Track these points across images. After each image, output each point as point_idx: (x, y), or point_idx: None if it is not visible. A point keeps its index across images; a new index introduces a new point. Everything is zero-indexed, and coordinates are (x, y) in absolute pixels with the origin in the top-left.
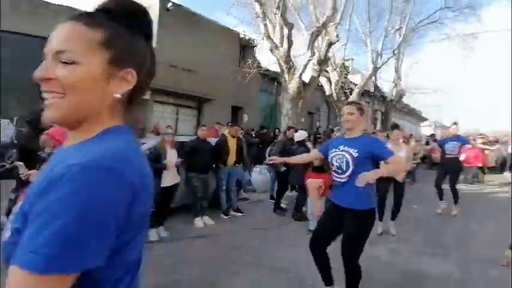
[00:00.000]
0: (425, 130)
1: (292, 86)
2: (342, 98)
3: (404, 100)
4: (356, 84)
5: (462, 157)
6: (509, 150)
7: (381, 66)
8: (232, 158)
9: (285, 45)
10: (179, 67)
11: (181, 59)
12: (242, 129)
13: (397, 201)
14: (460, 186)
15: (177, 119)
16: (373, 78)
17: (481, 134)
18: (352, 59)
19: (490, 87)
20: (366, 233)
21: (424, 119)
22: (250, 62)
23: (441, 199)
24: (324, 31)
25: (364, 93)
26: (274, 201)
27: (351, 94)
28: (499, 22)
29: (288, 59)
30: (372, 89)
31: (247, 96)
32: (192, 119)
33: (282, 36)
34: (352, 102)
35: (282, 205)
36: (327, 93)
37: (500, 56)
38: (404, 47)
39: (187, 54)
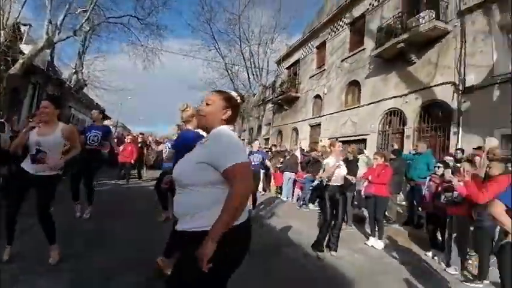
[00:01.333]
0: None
1: None
2: (1, 67)
3: (86, 91)
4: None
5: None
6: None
7: (56, 42)
8: None
9: None
10: None
11: None
12: None
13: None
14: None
15: None
16: (49, 56)
17: (141, 133)
18: (31, 25)
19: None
20: None
21: (108, 117)
22: None
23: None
24: None
25: (36, 69)
26: None
27: (13, 64)
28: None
29: None
30: (45, 68)
31: None
32: None
33: None
34: None
35: None
36: None
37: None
38: (90, 34)
39: None
